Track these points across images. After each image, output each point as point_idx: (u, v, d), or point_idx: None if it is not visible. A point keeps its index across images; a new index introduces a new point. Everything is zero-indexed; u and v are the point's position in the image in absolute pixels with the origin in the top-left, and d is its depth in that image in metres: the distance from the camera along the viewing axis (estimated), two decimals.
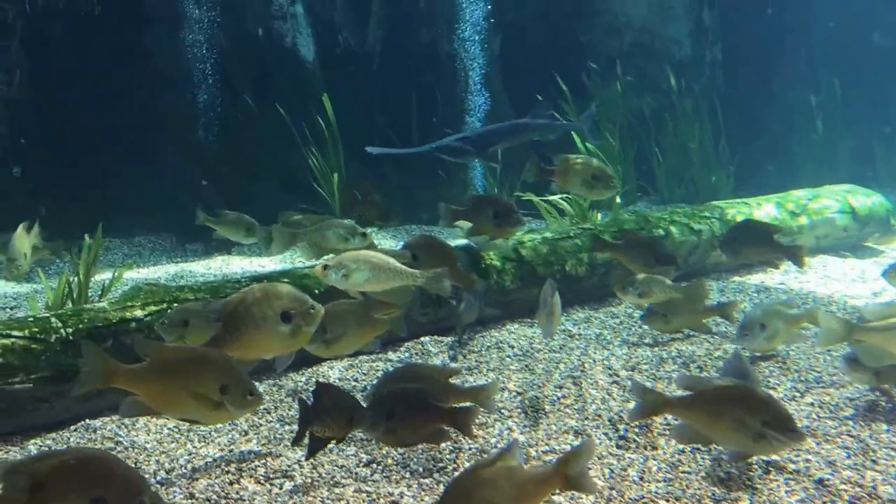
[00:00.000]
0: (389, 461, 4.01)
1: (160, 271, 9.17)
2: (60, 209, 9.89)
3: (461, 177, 12.09)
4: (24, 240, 4.58)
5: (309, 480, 3.83)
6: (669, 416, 4.38)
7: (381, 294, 4.59)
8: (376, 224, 6.39)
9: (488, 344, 6.01)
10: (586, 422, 4.42)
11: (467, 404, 4.08)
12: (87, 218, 8.48)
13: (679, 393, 3.91)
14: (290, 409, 4.78)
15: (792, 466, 3.85)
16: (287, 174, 11.12)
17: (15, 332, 4.61)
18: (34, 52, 10.83)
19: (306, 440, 3.72)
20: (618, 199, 9.20)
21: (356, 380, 5.33)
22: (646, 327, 6.18)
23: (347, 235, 5.21)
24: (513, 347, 5.91)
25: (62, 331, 4.76)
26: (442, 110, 12.43)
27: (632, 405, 4.59)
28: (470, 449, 4.08)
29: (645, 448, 4.12)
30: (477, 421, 4.27)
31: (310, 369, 5.55)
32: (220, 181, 10.73)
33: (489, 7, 12.57)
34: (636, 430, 4.28)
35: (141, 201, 10.92)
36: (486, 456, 3.82)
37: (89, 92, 10.79)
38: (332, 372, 5.49)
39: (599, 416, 4.48)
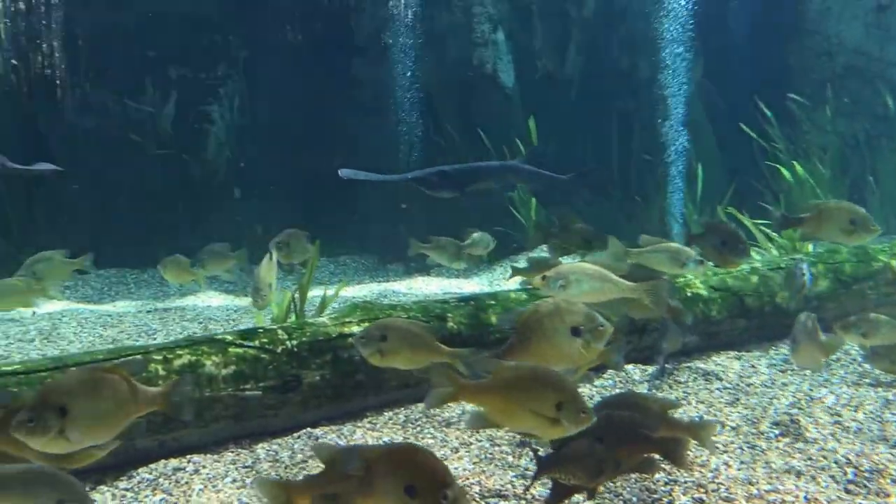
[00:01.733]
0: (602, 489, 3.97)
1: (365, 290, 9.54)
2: (275, 229, 10.50)
3: (658, 202, 11.88)
4: (269, 270, 4.80)
5: (523, 502, 3.86)
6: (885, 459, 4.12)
7: (598, 306, 4.56)
8: (578, 252, 6.30)
9: (695, 375, 5.85)
10: (808, 462, 4.20)
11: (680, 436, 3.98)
12: None
13: None
14: (499, 430, 4.84)
15: None
16: (487, 199, 11.31)
17: (247, 342, 4.93)
18: (254, 80, 11.60)
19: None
20: None
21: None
22: (867, 366, 5.83)
23: (685, 261, 5.13)
24: (721, 380, 5.72)
25: (288, 343, 5.05)
26: (640, 137, 12.27)
27: (856, 446, 4.35)
28: (685, 482, 3.98)
29: (877, 495, 3.87)
30: (691, 454, 4.17)
31: None
32: (422, 206, 11.05)
33: (692, 31, 12.33)
34: (866, 475, 4.03)
35: (346, 222, 11.44)
36: None
37: (301, 118, 11.44)
38: None
39: (824, 457, 4.25)
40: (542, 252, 10.44)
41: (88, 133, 10.31)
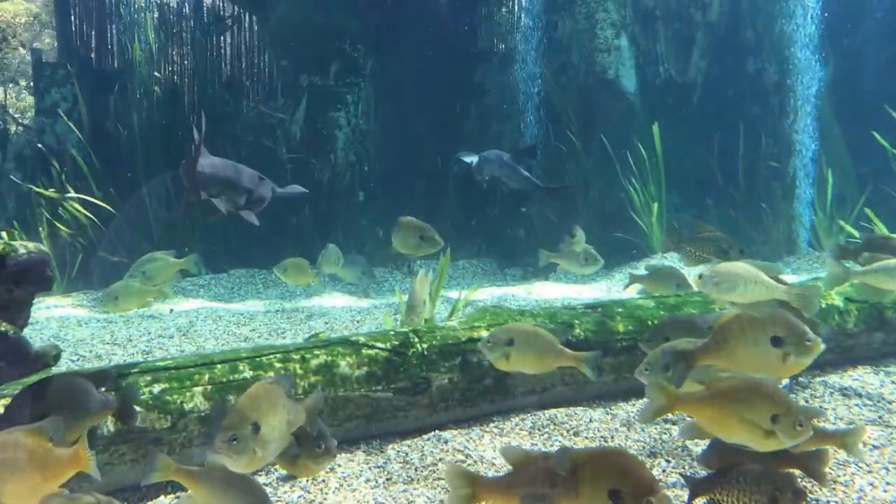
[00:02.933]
0: None
1: (484, 294, 9.59)
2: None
3: (785, 209, 11.52)
4: (424, 286, 4.78)
5: None
6: None
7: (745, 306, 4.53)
8: (713, 261, 6.11)
9: (831, 389, 5.65)
10: None
11: (821, 447, 3.85)
12: None
13: None
14: (626, 440, 4.80)
15: None
16: (608, 203, 11.23)
17: (379, 344, 5.03)
18: (379, 87, 11.82)
19: None
20: None
21: (681, 417, 5.23)
22: None
23: None
24: (860, 396, 5.50)
25: (418, 346, 5.12)
26: (766, 142, 11.93)
27: None
28: (828, 502, 3.85)
29: None
30: (833, 473, 4.04)
31: (639, 401, 5.54)
32: (542, 212, 11.05)
33: (822, 33, 11.89)
34: None
35: (465, 226, 11.52)
36: None
37: (424, 123, 11.60)
38: None
39: None
40: (664, 259, 10.30)
41: (224, 138, 10.71)
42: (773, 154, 11.72)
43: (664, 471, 4.31)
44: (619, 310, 5.84)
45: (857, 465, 4.27)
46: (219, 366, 4.56)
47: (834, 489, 3.93)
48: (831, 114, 12.16)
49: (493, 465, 4.47)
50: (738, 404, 3.33)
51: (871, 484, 4.07)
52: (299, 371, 4.69)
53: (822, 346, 3.64)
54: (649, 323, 5.72)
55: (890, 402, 5.38)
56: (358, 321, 8.15)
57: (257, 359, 4.66)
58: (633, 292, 7.43)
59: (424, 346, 5.13)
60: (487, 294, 9.61)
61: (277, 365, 4.67)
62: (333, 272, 8.52)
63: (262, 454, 3.01)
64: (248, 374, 4.55)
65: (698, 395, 3.42)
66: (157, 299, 7.47)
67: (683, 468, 4.32)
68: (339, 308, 8.97)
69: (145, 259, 6.72)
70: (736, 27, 12.23)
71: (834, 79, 12.42)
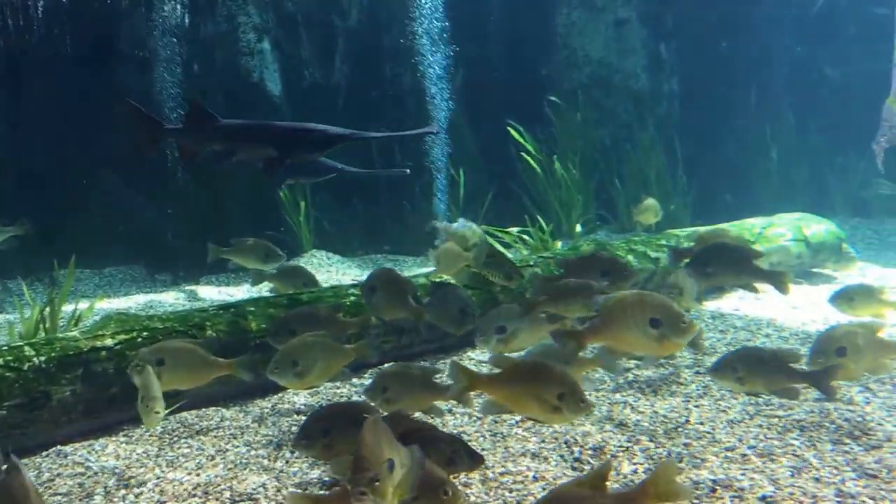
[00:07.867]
0: None
1: (130, 301, 9.27)
2: (29, 240, 9.92)
3: (425, 206, 12.32)
4: (156, 380, 4.27)
5: (273, 503, 3.98)
6: (623, 438, 4.60)
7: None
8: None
9: None
10: (542, 445, 4.59)
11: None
12: (60, 249, 8.65)
13: None
14: (255, 435, 4.94)
15: (738, 485, 4.02)
16: (259, 203, 11.29)
17: None
18: (11, 90, 10.95)
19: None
20: (578, 228, 9.48)
21: (321, 406, 5.48)
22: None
23: None
24: None
25: (35, 359, 4.90)
26: (405, 142, 12.68)
27: (586, 427, 4.82)
28: None
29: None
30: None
31: (275, 396, 5.71)
32: (192, 213, 10.86)
33: (452, 42, 12.86)
34: (590, 452, 4.47)
35: (112, 231, 11.03)
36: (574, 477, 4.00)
37: (61, 129, 10.91)
38: (298, 398, 5.65)
39: (556, 438, 4.66)
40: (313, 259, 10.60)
41: None
42: (410, 155, 12.47)
43: (287, 461, 4.50)
44: (252, 309, 5.97)
45: (461, 434, 4.76)
46: None
47: None
48: (462, 117, 13.17)
49: (115, 474, 4.40)
50: (530, 385, 3.79)
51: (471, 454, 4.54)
52: None
53: (698, 328, 4.14)
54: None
55: None
56: None
57: None
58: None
59: (42, 358, 4.92)
60: (133, 301, 9.29)
61: None
62: None
63: None
64: None
65: (494, 377, 3.87)
66: None
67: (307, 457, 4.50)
68: None
69: None
70: (374, 34, 12.85)
71: (465, 84, 13.44)
